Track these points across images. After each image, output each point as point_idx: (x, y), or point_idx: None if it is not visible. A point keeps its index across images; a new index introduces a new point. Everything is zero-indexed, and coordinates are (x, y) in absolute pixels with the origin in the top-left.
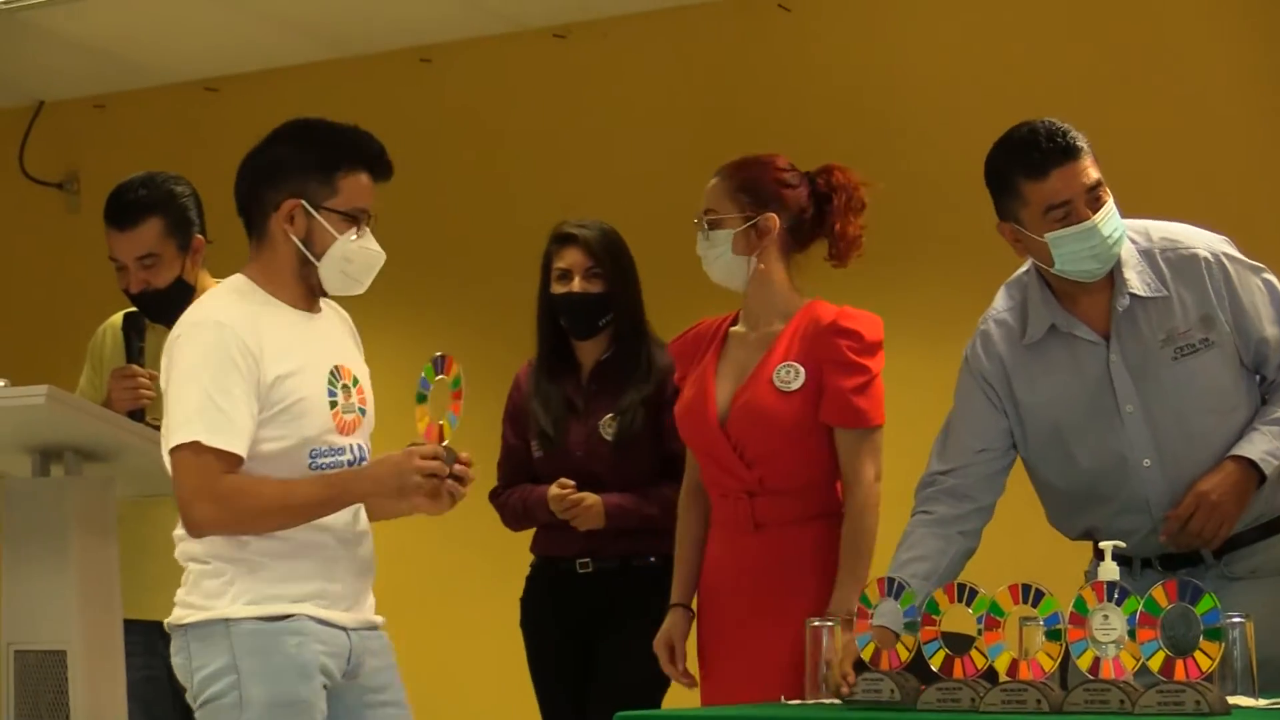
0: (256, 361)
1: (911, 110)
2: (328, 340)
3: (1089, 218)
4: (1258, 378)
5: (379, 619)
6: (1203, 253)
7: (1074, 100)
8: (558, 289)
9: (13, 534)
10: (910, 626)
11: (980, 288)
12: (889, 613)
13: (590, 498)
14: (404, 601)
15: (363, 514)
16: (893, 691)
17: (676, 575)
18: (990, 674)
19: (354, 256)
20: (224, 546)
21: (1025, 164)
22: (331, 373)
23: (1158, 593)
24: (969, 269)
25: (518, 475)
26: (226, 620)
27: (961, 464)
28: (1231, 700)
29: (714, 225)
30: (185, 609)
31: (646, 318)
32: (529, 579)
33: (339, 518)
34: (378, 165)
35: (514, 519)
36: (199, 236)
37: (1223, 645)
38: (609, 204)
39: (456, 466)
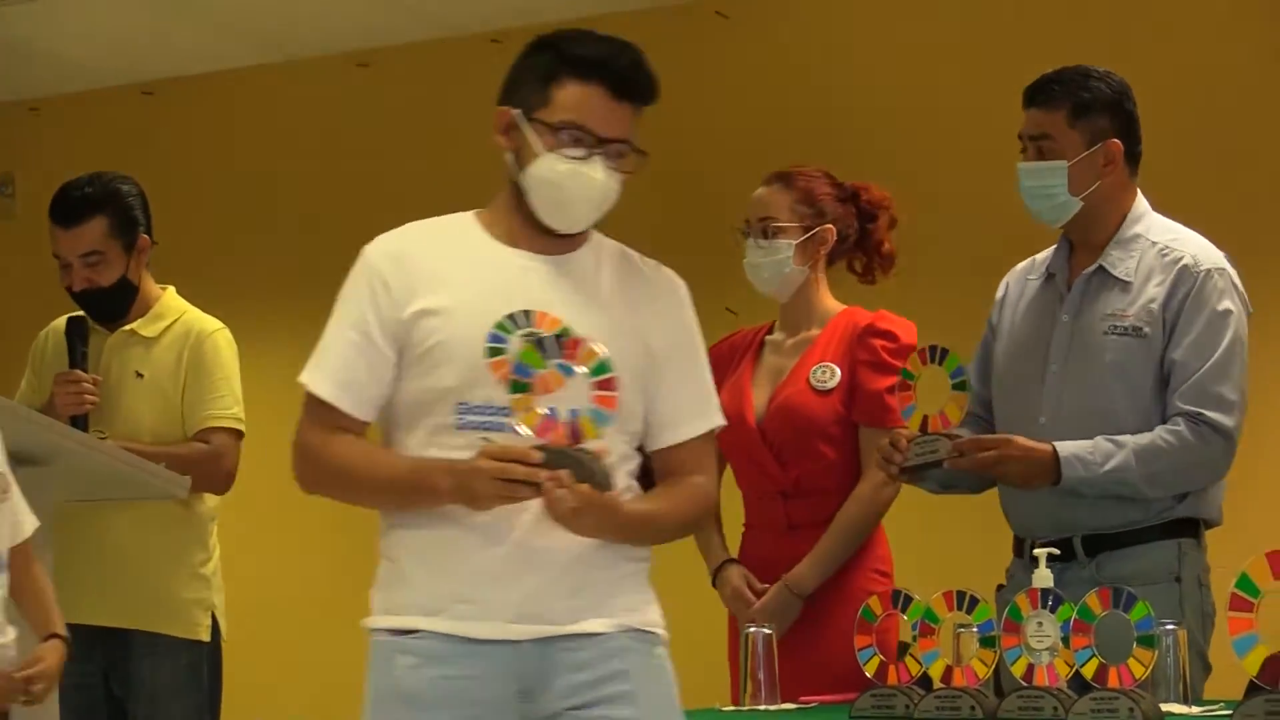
0: (391, 294)
1: (850, 114)
2: (542, 281)
3: (1023, 161)
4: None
5: (588, 624)
6: (1188, 260)
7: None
8: None
9: None
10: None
11: (939, 286)
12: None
13: None
14: (344, 601)
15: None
16: None
17: (711, 543)
18: (924, 680)
19: (562, 180)
20: (382, 540)
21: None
22: (511, 317)
23: (1091, 600)
24: (923, 269)
25: None
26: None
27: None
28: (1165, 707)
29: (774, 234)
30: None
31: None
32: None
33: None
34: (620, 81)
35: None
36: (144, 236)
37: (1156, 653)
38: None
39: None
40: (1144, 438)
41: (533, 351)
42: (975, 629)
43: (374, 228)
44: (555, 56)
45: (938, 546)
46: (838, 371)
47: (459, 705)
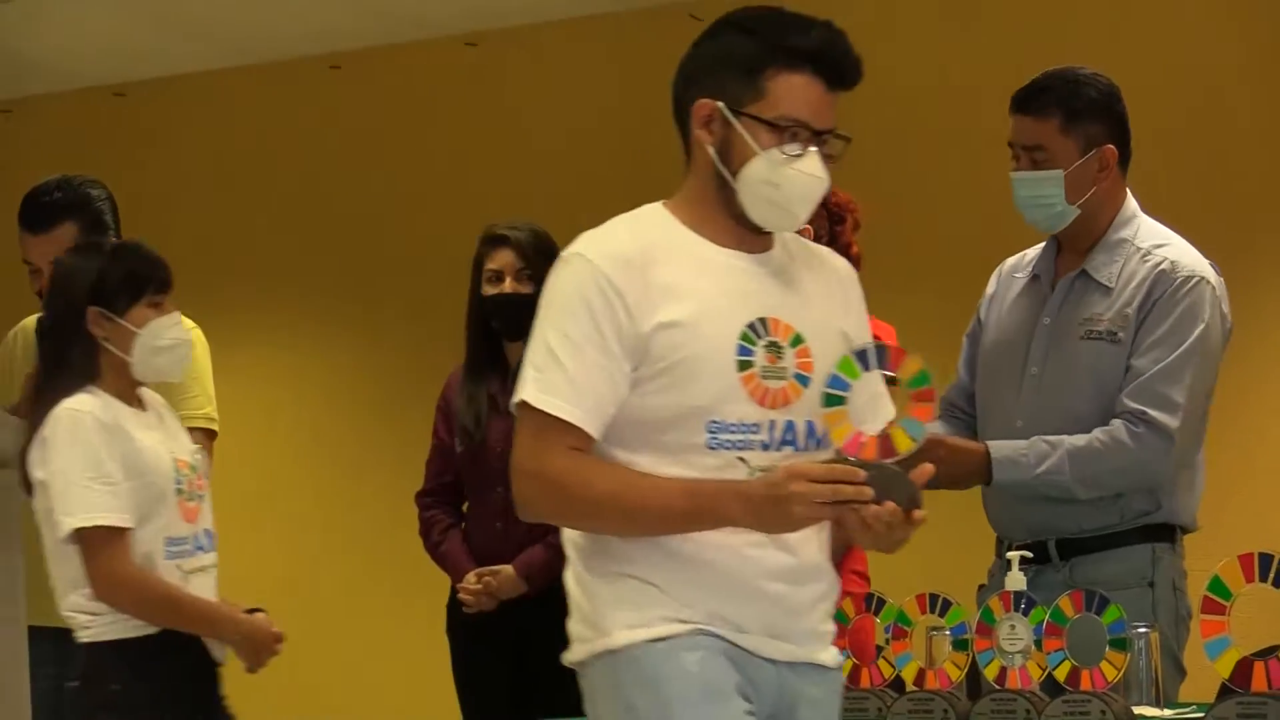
0: (627, 304)
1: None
2: (764, 285)
3: (1014, 170)
4: None
5: (822, 654)
6: (1166, 265)
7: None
8: (489, 290)
9: None
10: None
11: (924, 287)
12: None
13: (499, 577)
14: (321, 607)
15: None
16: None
17: None
18: (897, 684)
19: (782, 180)
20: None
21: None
22: (751, 326)
23: (1064, 602)
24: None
25: (443, 473)
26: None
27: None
28: (1137, 710)
29: None
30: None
31: None
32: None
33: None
34: (836, 72)
35: (430, 549)
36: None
37: (1128, 655)
38: (520, 211)
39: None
40: (1080, 439)
41: (850, 364)
42: (948, 632)
43: (346, 228)
44: (761, 45)
45: (918, 546)
46: None
47: (748, 700)
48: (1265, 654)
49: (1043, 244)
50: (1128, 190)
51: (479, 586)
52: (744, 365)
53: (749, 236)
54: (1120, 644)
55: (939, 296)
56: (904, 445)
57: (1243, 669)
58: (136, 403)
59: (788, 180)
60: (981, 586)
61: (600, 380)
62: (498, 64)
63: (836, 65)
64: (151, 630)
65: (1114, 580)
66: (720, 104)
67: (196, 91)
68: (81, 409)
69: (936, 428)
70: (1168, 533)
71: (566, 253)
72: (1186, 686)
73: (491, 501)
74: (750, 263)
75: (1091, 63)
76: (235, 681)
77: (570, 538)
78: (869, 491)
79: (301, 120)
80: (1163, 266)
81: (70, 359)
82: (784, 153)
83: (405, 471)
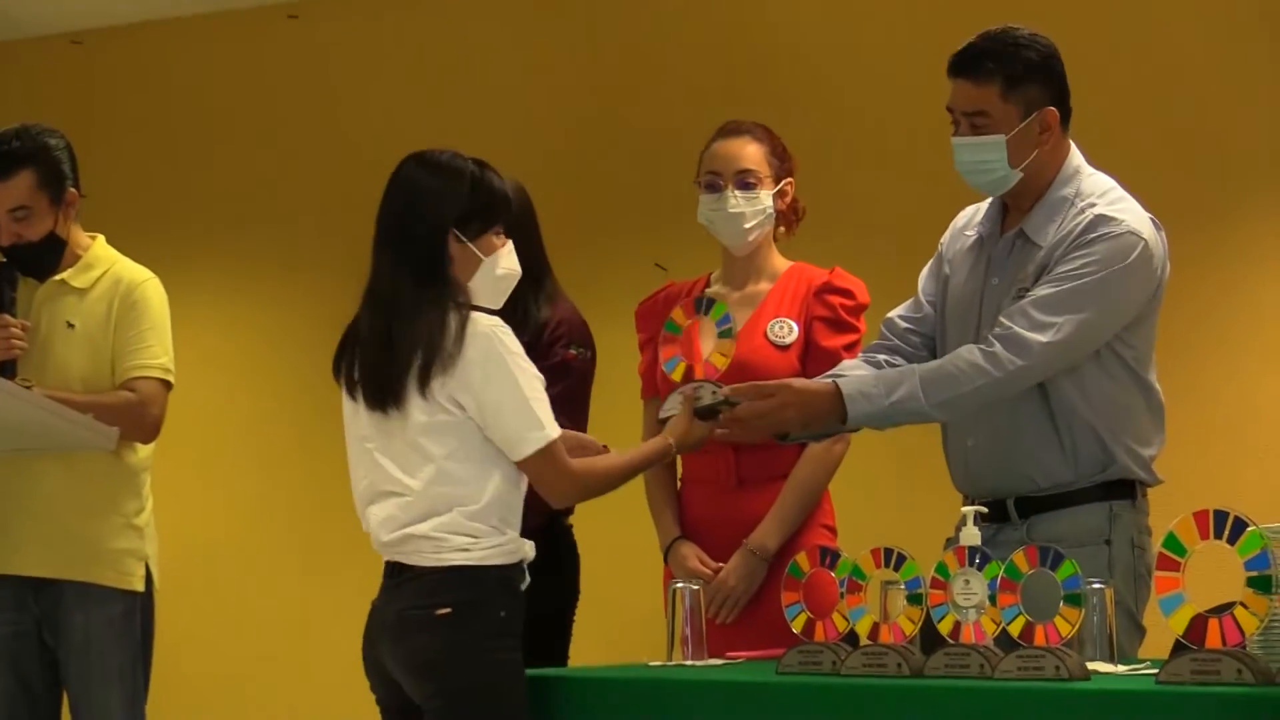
0: None
1: (795, 67)
2: None
3: (957, 136)
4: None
5: None
6: (1092, 218)
7: None
8: None
9: None
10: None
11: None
12: None
13: None
14: (278, 552)
15: None
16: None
17: (663, 518)
18: (851, 637)
19: None
20: None
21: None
22: None
23: (1019, 558)
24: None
25: None
26: None
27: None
28: (1091, 666)
29: (754, 185)
30: None
31: (553, 275)
32: None
33: None
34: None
35: None
36: (72, 190)
37: (1083, 611)
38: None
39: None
40: (932, 364)
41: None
42: (903, 586)
43: (303, 178)
44: None
45: (882, 501)
46: (795, 327)
47: None
48: (1219, 611)
49: (986, 202)
50: (1071, 145)
51: None
52: None
53: None
54: (1075, 600)
55: (899, 249)
56: (721, 363)
57: (1197, 626)
58: None
59: None
60: (949, 540)
61: None
62: (456, 11)
63: None
64: (524, 555)
65: (1071, 538)
66: None
67: (154, 40)
68: (498, 325)
69: (859, 366)
70: (1127, 489)
71: None
72: (1148, 646)
73: None
74: None
75: (1055, 22)
76: (189, 637)
77: None
78: None
79: (259, 69)
80: (1090, 218)
81: (436, 277)
82: None
83: None
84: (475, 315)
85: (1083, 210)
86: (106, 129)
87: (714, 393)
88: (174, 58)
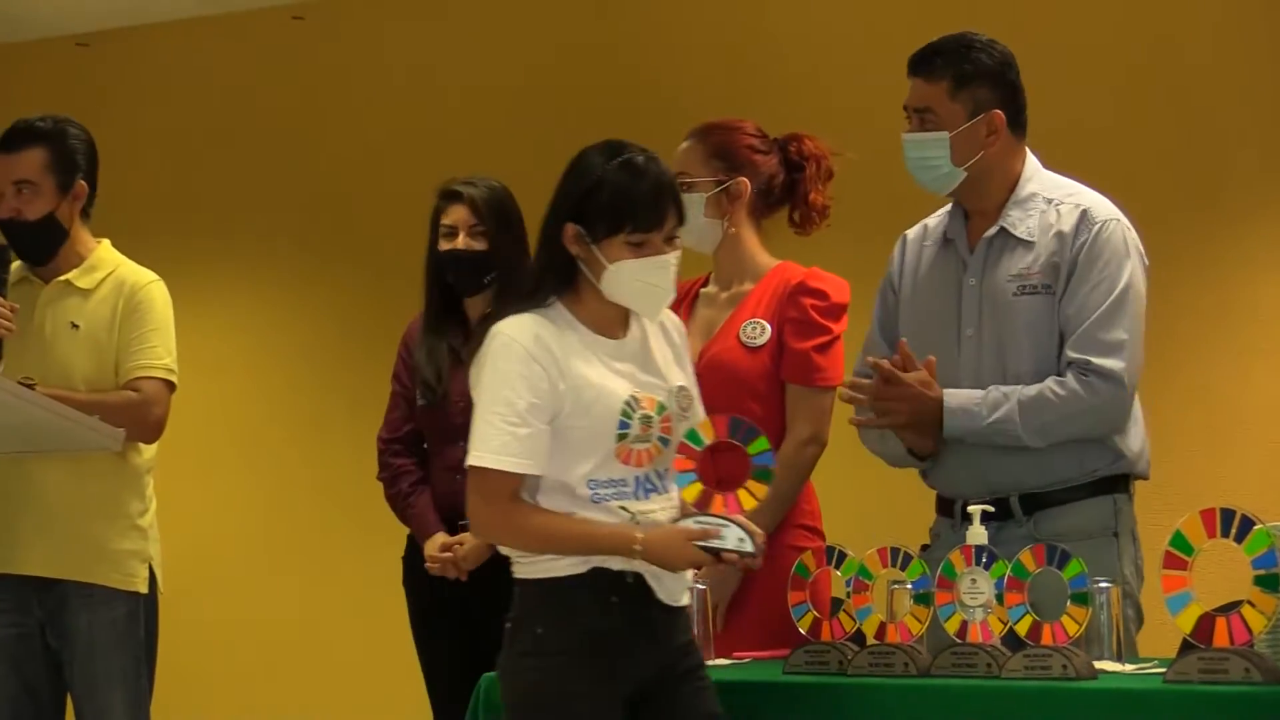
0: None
1: (784, 64)
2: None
3: (906, 132)
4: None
5: None
6: (1080, 212)
7: None
8: (444, 245)
9: None
10: None
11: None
12: None
13: (465, 548)
14: (281, 553)
15: None
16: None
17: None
18: (858, 637)
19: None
20: None
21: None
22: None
23: (1025, 557)
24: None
25: (408, 420)
26: None
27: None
28: (1098, 665)
29: (686, 189)
30: None
31: None
32: (411, 537)
33: None
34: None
35: (395, 498)
36: (81, 182)
37: (1090, 610)
38: (482, 163)
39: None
40: (1031, 389)
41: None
42: (909, 585)
43: (309, 181)
44: None
45: (865, 504)
46: (768, 328)
47: None
48: (1226, 609)
49: (943, 210)
50: (1028, 151)
51: (447, 556)
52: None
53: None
54: (1082, 599)
55: (856, 239)
56: (749, 504)
57: (1204, 624)
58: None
59: None
60: (925, 547)
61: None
62: (458, 12)
63: None
64: (578, 569)
65: (1079, 531)
66: None
67: (159, 42)
68: (501, 331)
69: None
70: (1124, 483)
71: None
72: (1149, 642)
73: (453, 455)
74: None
75: (1056, 24)
76: (192, 639)
77: None
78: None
79: (264, 71)
80: (1078, 213)
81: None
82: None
83: (366, 417)
84: (507, 318)
85: (1060, 202)
86: (111, 131)
87: (740, 540)
88: (179, 60)
